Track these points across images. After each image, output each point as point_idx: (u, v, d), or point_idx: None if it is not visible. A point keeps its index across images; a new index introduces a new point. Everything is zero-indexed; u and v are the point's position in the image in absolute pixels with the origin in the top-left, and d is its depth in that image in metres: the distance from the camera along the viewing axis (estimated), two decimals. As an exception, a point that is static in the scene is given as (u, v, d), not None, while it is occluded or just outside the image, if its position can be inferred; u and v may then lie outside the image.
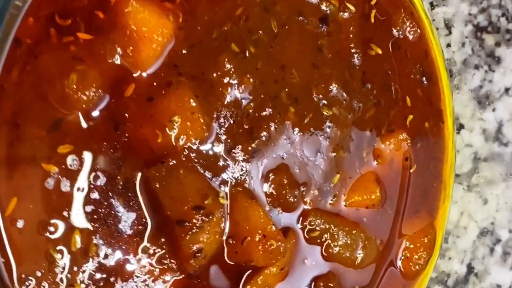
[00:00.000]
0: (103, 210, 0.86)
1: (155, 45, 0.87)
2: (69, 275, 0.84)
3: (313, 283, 0.99)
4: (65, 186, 0.84)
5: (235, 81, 0.92)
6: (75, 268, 0.85)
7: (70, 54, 0.84)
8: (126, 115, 0.88)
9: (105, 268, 0.87)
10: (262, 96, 0.95)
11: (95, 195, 0.86)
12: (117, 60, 0.86)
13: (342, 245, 1.00)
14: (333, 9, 1.00)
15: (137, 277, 0.88)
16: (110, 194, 0.87)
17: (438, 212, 1.10)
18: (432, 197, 1.09)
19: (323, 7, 0.99)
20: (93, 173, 0.86)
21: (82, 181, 0.85)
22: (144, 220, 0.88)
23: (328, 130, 0.99)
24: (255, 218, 0.92)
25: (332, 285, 0.99)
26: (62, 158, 0.84)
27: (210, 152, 0.92)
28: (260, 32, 0.95)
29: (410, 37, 1.06)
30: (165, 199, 0.87)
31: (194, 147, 0.90)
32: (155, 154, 0.88)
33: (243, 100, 0.94)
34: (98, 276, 0.86)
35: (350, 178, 1.02)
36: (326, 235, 0.99)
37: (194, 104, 0.89)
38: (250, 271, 0.94)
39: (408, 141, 1.06)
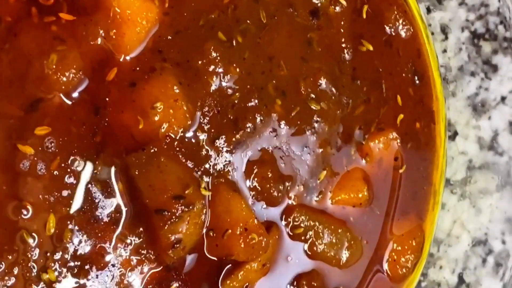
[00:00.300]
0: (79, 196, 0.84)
1: (139, 29, 0.86)
2: (41, 261, 0.82)
3: (296, 281, 0.96)
4: (41, 169, 0.82)
5: (220, 70, 0.90)
6: (48, 254, 0.82)
7: (51, 34, 0.82)
8: (107, 99, 0.86)
9: (80, 255, 0.84)
10: (248, 86, 0.93)
11: (71, 180, 0.83)
12: (100, 43, 0.84)
13: (327, 244, 0.97)
14: (324, 2, 0.98)
15: (113, 266, 0.86)
16: (88, 179, 0.84)
17: (427, 215, 1.08)
18: (421, 199, 1.07)
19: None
20: (71, 157, 0.84)
21: (59, 165, 0.83)
22: (121, 208, 0.86)
23: (315, 125, 0.97)
24: (237, 211, 0.89)
25: (315, 284, 0.96)
26: (39, 140, 0.82)
27: (193, 141, 0.89)
28: (248, 21, 0.93)
29: (403, 35, 1.05)
30: (144, 187, 0.84)
31: (177, 135, 0.88)
32: (136, 140, 0.86)
33: (228, 90, 0.91)
34: (72, 263, 0.83)
35: (337, 175, 0.99)
36: (310, 233, 0.96)
37: (177, 91, 0.87)
38: (231, 265, 0.91)
39: (398, 141, 1.03)
